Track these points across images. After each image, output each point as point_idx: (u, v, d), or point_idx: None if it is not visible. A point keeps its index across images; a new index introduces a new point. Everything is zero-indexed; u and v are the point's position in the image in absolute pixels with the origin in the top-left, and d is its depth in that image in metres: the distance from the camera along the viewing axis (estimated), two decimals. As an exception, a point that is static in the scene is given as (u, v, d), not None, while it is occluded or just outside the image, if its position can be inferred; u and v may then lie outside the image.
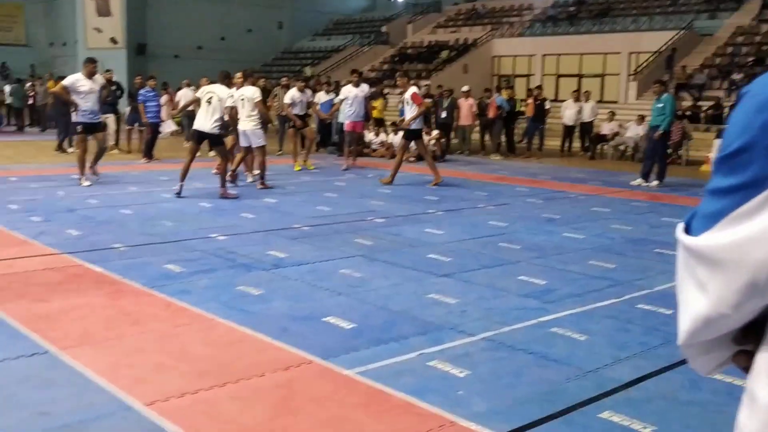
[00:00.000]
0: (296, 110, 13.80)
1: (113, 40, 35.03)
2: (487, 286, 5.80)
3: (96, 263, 6.21)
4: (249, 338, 4.47)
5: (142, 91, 15.21)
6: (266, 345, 4.36)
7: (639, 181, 12.98)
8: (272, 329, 4.59)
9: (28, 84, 24.15)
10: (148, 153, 15.11)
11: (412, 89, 11.81)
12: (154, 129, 15.17)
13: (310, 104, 14.70)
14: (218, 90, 10.19)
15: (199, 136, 10.27)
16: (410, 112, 11.81)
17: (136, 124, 16.55)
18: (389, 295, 5.48)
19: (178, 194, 10.06)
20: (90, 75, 10.92)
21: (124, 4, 34.79)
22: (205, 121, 10.12)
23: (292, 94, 13.97)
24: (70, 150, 16.95)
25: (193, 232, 7.71)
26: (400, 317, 4.94)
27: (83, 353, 4.15)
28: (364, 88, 14.82)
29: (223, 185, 10.23)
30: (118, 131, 17.40)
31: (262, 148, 11.27)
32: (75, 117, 11.14)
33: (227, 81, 10.61)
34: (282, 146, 17.14)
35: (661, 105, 12.63)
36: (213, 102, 10.10)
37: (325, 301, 5.30)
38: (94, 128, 11.20)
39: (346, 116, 14.42)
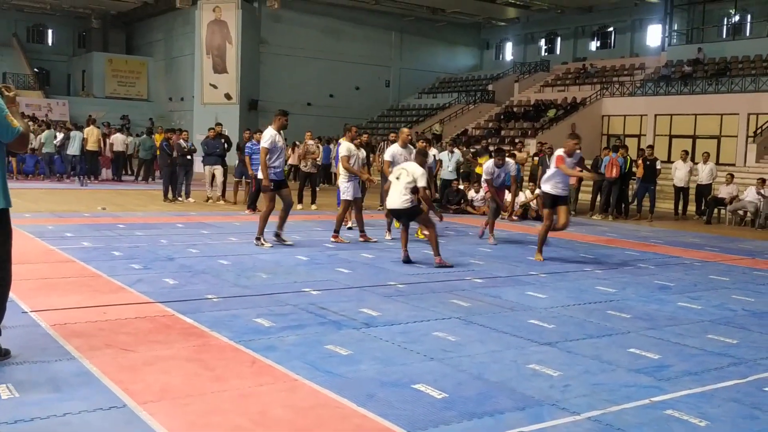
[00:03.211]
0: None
1: (227, 96, 36.42)
2: (593, 358, 5.33)
3: (187, 314, 6.12)
4: (332, 403, 4.19)
5: (248, 145, 15.50)
6: (350, 412, 4.06)
7: None
8: (358, 394, 4.30)
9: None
10: (252, 205, 15.31)
11: (558, 151, 10.32)
12: (259, 182, 15.36)
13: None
14: (410, 167, 9.63)
15: (397, 215, 10.08)
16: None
17: (243, 177, 16.88)
18: (485, 362, 5.09)
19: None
20: (281, 128, 10.49)
21: (239, 62, 36.22)
22: (397, 199, 9.56)
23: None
24: (181, 199, 17.47)
25: (287, 286, 7.57)
26: (497, 388, 4.55)
27: (161, 409, 3.98)
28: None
29: (437, 254, 9.37)
30: (225, 183, 17.82)
31: (345, 201, 11.39)
32: (260, 174, 10.51)
33: (420, 158, 9.81)
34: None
35: None
36: (402, 178, 9.54)
37: (416, 365, 4.97)
38: (281, 185, 10.66)
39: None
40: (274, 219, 10.60)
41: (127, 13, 44.38)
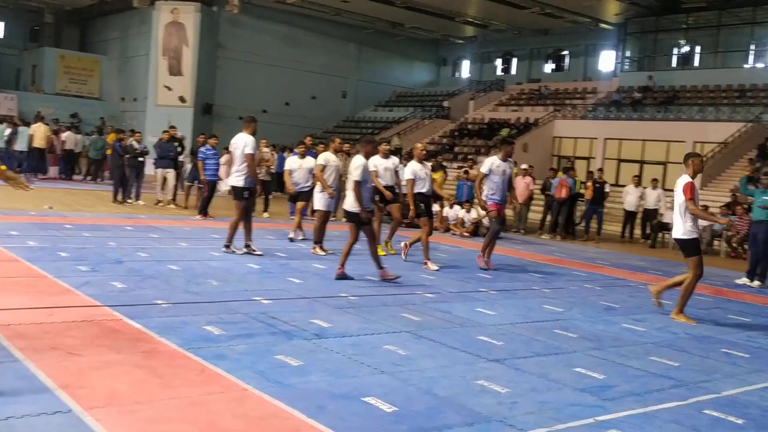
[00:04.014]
0: (383, 181, 11.30)
1: (182, 99, 36.02)
2: (540, 376, 5.41)
3: (135, 319, 6.03)
4: (282, 414, 4.18)
5: (202, 149, 15.37)
6: (300, 423, 4.06)
7: (744, 280, 12.15)
8: (308, 406, 4.30)
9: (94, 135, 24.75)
10: (204, 210, 15.16)
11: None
12: (212, 187, 15.26)
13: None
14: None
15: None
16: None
17: (196, 181, 16.72)
18: (435, 377, 5.14)
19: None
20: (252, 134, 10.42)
21: (195, 65, 35.87)
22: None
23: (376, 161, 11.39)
24: (131, 201, 17.21)
25: (238, 294, 7.52)
26: (446, 404, 4.59)
27: (108, 416, 3.92)
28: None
29: (379, 266, 9.22)
30: (176, 187, 17.61)
31: (320, 212, 11.37)
32: (237, 181, 10.34)
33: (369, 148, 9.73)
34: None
35: (767, 198, 11.87)
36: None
37: (367, 378, 4.99)
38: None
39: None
40: (213, 224, 10.49)
41: (82, 9, 43.57)
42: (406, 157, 15.53)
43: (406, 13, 37.20)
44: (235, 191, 10.41)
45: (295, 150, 13.31)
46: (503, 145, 11.22)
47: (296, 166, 12.78)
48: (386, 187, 11.24)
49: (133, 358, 5.00)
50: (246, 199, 10.37)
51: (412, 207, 11.09)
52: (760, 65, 32.15)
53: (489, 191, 10.99)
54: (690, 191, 8.12)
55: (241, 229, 10.41)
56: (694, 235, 8.20)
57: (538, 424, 4.36)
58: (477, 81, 42.28)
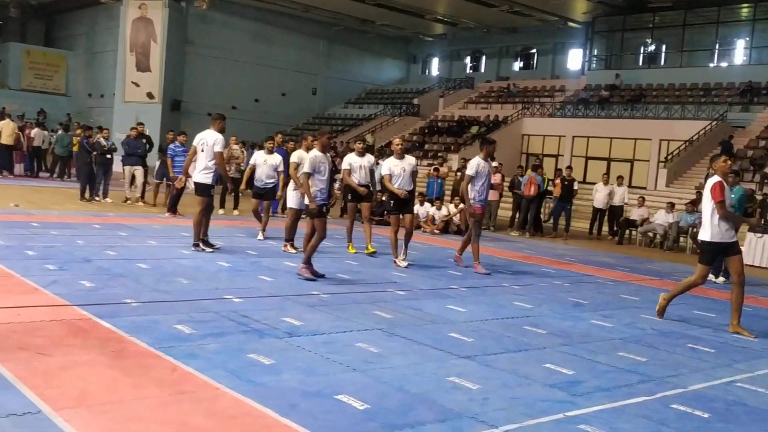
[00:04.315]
0: (358, 179, 11.28)
1: (150, 95, 35.71)
2: (510, 372, 5.47)
3: (105, 318, 5.98)
4: (255, 413, 4.18)
5: (171, 146, 15.25)
6: (272, 422, 4.06)
7: (709, 276, 12.29)
8: (280, 404, 4.30)
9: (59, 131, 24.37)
10: (173, 208, 15.04)
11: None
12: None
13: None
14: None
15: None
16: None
17: (164, 179, 16.57)
18: (407, 375, 5.17)
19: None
20: (221, 131, 10.48)
21: (163, 61, 35.56)
22: None
23: (350, 159, 11.56)
24: (98, 199, 17.01)
25: (208, 292, 7.48)
26: (418, 401, 4.62)
27: (78, 416, 3.88)
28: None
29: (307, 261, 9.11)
30: (145, 184, 17.45)
31: (291, 210, 11.19)
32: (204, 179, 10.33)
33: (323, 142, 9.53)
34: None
35: (733, 196, 12.06)
36: None
37: (339, 376, 5.00)
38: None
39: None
40: (182, 222, 10.44)
41: (48, 4, 42.96)
42: (386, 153, 15.59)
43: (376, 10, 37.23)
44: (203, 188, 10.36)
45: (265, 145, 13.19)
46: (485, 145, 10.83)
47: (261, 161, 12.56)
48: (361, 185, 11.25)
49: (102, 357, 4.96)
50: (211, 196, 10.46)
51: (397, 192, 10.87)
52: (724, 64, 32.70)
53: (475, 193, 10.65)
54: (719, 192, 7.60)
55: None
56: (721, 239, 7.67)
57: (509, 419, 4.41)
58: (447, 78, 42.44)
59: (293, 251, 10.98)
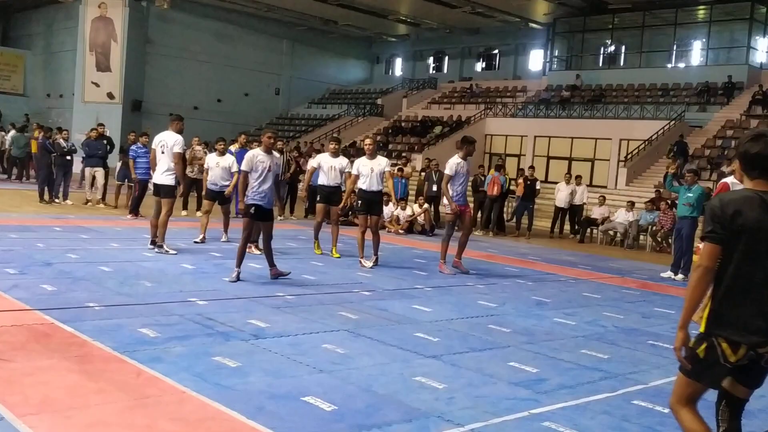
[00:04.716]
0: (327, 180, 11.36)
1: (110, 95, 35.23)
2: (475, 371, 5.53)
3: (67, 323, 5.91)
4: (221, 416, 4.17)
5: (133, 147, 15.07)
6: (239, 425, 4.06)
7: (669, 273, 12.49)
8: (247, 407, 4.30)
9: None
10: (135, 210, 14.87)
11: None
12: (143, 186, 14.97)
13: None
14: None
15: None
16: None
17: (126, 180, 16.38)
18: (374, 375, 5.20)
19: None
20: (179, 132, 10.40)
21: (123, 60, 35.11)
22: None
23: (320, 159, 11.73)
24: (58, 201, 16.77)
25: (173, 295, 7.43)
26: (385, 401, 4.65)
27: (41, 423, 3.84)
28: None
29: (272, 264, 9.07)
30: (105, 186, 17.23)
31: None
32: (162, 179, 10.34)
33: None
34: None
35: (691, 195, 12.31)
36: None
37: (306, 378, 5.01)
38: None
39: None
40: (144, 224, 10.34)
41: (5, 3, 42.06)
42: (350, 153, 15.58)
43: (339, 11, 37.17)
44: (167, 189, 10.29)
45: (231, 148, 13.07)
46: (465, 144, 10.71)
47: (213, 164, 12.10)
48: (332, 187, 11.21)
49: (66, 362, 4.91)
50: (175, 197, 10.42)
51: (346, 200, 11.05)
52: (681, 65, 33.27)
53: (454, 193, 10.57)
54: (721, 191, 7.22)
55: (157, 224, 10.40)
56: None
57: (475, 418, 4.46)
58: (410, 79, 42.53)
59: (258, 252, 10.94)
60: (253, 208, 8.65)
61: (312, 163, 11.50)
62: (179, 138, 10.23)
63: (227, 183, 12.15)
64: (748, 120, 26.61)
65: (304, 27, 41.96)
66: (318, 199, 11.58)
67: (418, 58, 45.04)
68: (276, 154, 8.95)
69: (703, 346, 3.34)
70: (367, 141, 11.33)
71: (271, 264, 8.87)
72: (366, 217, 10.95)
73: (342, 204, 11.46)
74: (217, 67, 39.00)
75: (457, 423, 4.35)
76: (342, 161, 11.42)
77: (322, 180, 11.38)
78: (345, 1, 35.12)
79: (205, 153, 18.35)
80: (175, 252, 10.24)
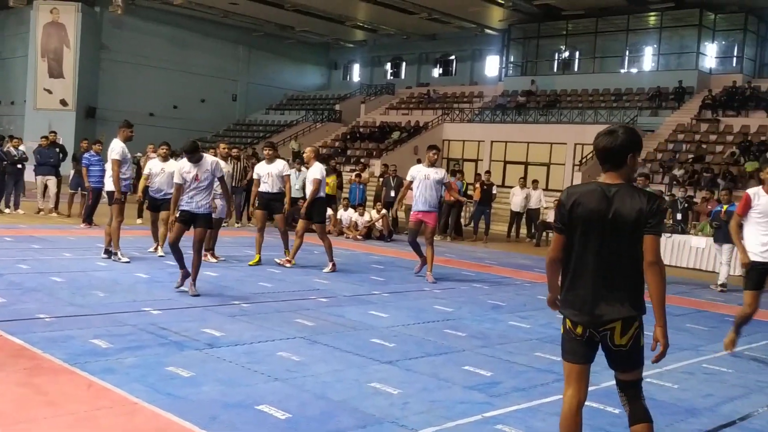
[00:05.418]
0: (266, 187, 11.11)
1: (63, 102, 34.69)
2: (431, 375, 5.57)
3: (17, 335, 5.80)
4: (174, 427, 4.14)
5: (86, 155, 14.83)
6: (192, 435, 4.04)
7: None
8: (200, 417, 4.27)
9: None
10: (88, 218, 14.64)
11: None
12: (96, 194, 14.75)
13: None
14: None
15: None
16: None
17: (79, 189, 16.13)
18: (329, 382, 5.20)
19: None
20: (127, 140, 10.33)
21: (77, 67, 34.60)
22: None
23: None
24: (9, 210, 16.44)
25: (126, 305, 7.34)
26: (340, 408, 4.67)
27: (-12, 437, 3.78)
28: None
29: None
30: (58, 194, 16.94)
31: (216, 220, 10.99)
32: (108, 186, 10.44)
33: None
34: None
35: None
36: None
37: (260, 386, 5.00)
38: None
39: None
40: (98, 233, 10.21)
41: (-48, 7, 41.21)
42: (298, 162, 15.52)
43: (296, 17, 37.13)
44: (110, 196, 10.27)
45: (158, 152, 12.88)
46: (428, 151, 10.92)
47: (157, 170, 11.42)
48: (270, 194, 11.08)
49: (15, 375, 4.82)
50: (123, 203, 10.28)
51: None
52: (634, 70, 33.92)
53: (413, 200, 10.84)
54: (742, 205, 6.86)
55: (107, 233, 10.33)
56: (753, 259, 6.66)
57: (429, 423, 4.50)
58: (368, 85, 42.65)
59: (214, 260, 10.87)
60: (179, 212, 8.38)
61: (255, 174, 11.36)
62: (117, 145, 10.16)
63: (172, 191, 11.91)
64: (698, 124, 27.25)
65: (261, 33, 41.82)
66: (258, 205, 11.34)
67: (376, 64, 45.19)
68: (208, 161, 8.57)
69: (563, 325, 3.64)
70: (266, 151, 11.25)
71: (182, 266, 8.37)
72: (264, 216, 11.08)
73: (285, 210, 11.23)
74: (172, 73, 38.66)
75: (411, 428, 4.38)
76: (278, 166, 11.12)
77: (262, 187, 11.17)
78: (302, 6, 35.10)
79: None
80: (128, 260, 10.11)
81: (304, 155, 11.26)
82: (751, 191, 6.87)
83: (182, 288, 8.36)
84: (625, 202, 3.36)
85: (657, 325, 3.40)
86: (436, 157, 10.87)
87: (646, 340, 3.48)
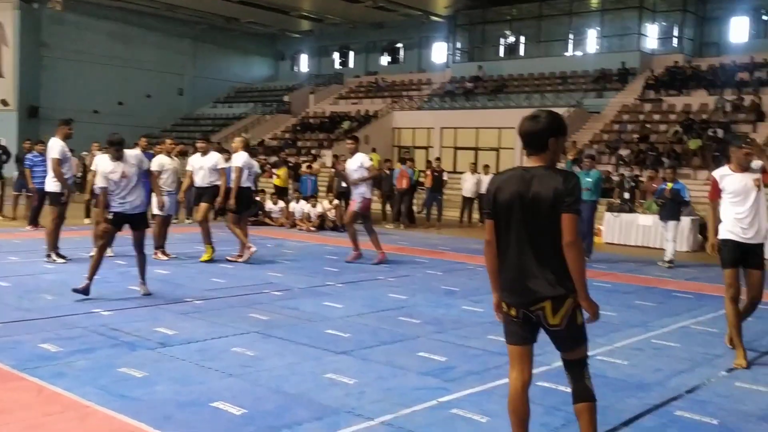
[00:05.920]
0: (198, 181, 11.01)
1: (4, 102, 33.86)
2: (386, 364, 5.61)
3: (-38, 343, 5.67)
4: (128, 428, 4.10)
5: (29, 156, 14.48)
6: (146, 435, 4.00)
7: None
8: (154, 417, 4.24)
9: None
10: (34, 220, 14.33)
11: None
12: (41, 195, 14.42)
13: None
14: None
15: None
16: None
17: (24, 190, 15.76)
18: (284, 375, 5.21)
19: None
20: (66, 138, 10.14)
21: (17, 65, 33.75)
22: None
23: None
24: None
25: (75, 307, 7.22)
26: (295, 401, 4.67)
27: (-65, 449, 3.70)
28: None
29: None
30: (2, 197, 16.54)
31: (161, 216, 10.85)
32: (50, 186, 10.17)
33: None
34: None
35: (590, 179, 12.68)
36: None
37: (214, 383, 4.98)
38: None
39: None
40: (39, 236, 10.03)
41: None
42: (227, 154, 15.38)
43: (241, 8, 36.73)
44: (53, 197, 10.04)
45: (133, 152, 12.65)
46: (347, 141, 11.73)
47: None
48: (202, 188, 10.94)
49: (-39, 385, 4.72)
50: (63, 204, 10.11)
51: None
52: (578, 53, 34.39)
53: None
54: (711, 190, 6.54)
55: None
56: (724, 236, 6.37)
57: (385, 410, 4.53)
58: (316, 75, 42.49)
59: (164, 258, 10.74)
60: (111, 214, 8.01)
61: (188, 168, 11.18)
62: (55, 143, 9.97)
63: None
64: (642, 104, 27.77)
65: (206, 25, 41.31)
66: (194, 199, 11.42)
67: (324, 54, 45.00)
68: (131, 155, 8.29)
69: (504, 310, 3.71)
70: (199, 143, 11.27)
71: (90, 276, 7.83)
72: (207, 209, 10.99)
73: (219, 201, 11.03)
74: (116, 69, 37.96)
75: (368, 417, 4.42)
76: (212, 158, 10.96)
77: (196, 181, 11.05)
78: (246, -3, 34.77)
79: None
80: (63, 261, 9.93)
81: (233, 145, 11.20)
82: (716, 173, 6.57)
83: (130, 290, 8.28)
84: (543, 183, 3.42)
85: (580, 298, 3.47)
86: (351, 146, 11.53)
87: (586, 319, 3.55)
